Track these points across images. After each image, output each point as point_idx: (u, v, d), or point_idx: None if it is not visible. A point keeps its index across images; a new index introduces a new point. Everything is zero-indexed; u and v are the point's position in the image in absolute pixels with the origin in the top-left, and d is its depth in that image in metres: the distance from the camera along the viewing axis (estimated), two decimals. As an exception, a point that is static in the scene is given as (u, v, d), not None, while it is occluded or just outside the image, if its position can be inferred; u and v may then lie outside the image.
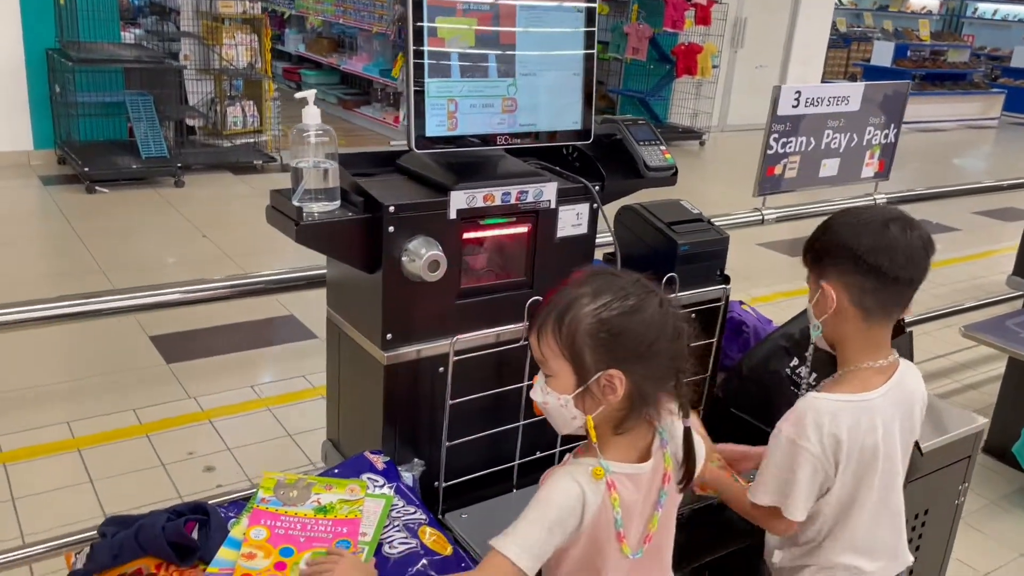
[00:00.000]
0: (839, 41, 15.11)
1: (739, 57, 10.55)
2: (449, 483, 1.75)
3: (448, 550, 1.47)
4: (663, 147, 1.95)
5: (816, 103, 2.73)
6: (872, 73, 13.37)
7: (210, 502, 1.53)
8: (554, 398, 1.33)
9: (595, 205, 1.81)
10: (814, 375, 1.86)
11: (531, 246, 1.76)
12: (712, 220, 2.10)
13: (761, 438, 1.66)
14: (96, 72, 6.72)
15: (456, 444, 1.72)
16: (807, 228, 1.72)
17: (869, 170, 3.01)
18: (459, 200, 1.62)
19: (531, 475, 1.78)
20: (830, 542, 1.63)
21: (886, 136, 2.99)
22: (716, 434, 1.78)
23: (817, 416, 1.54)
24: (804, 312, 2.04)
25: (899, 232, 1.53)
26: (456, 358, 1.65)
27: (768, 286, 5.22)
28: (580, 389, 1.30)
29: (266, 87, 7.72)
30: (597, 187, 1.81)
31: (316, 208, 1.56)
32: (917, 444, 1.85)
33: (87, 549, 1.45)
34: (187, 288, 2.10)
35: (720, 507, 1.85)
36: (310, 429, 3.45)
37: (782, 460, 1.56)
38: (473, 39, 1.60)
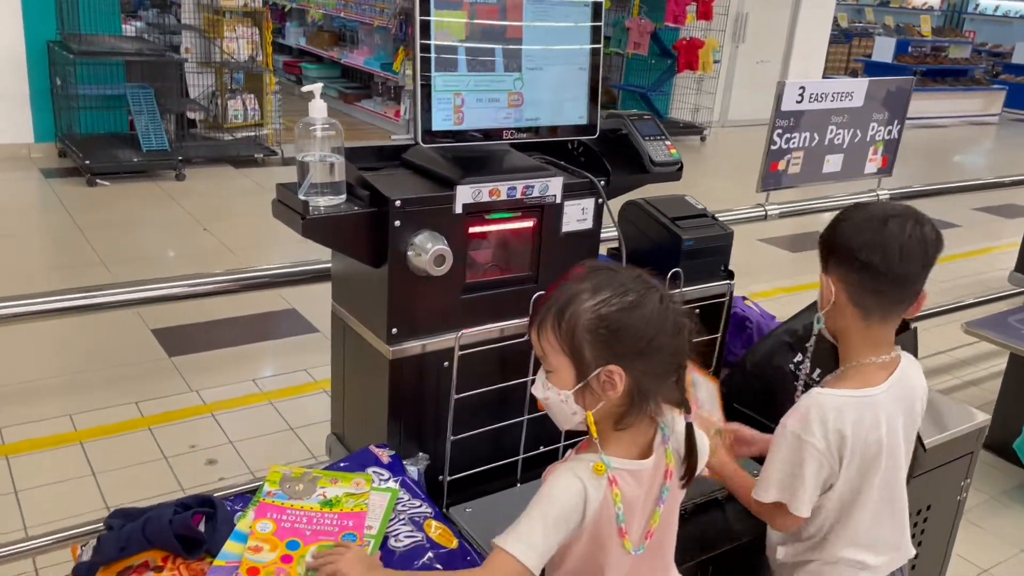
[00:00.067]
0: (840, 37, 15.07)
1: (740, 52, 10.54)
2: (453, 477, 1.76)
3: (454, 543, 1.47)
4: (668, 142, 1.95)
5: (820, 99, 2.73)
6: (873, 69, 13.34)
7: (215, 495, 1.54)
8: (555, 394, 1.33)
9: (600, 200, 1.81)
10: (817, 371, 1.86)
11: (536, 241, 1.76)
12: (716, 216, 2.10)
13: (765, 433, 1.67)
14: (97, 65, 6.71)
15: (460, 438, 1.72)
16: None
17: (872, 166, 3.01)
18: (465, 195, 1.62)
19: (535, 469, 1.77)
20: (834, 537, 1.64)
21: (889, 132, 2.99)
22: (720, 429, 1.79)
23: (821, 412, 1.54)
24: (807, 308, 2.05)
25: (897, 229, 1.53)
26: (461, 353, 1.66)
27: (768, 282, 5.23)
28: (580, 385, 1.30)
29: (267, 80, 7.71)
30: (602, 182, 1.81)
31: (322, 202, 1.56)
32: (921, 440, 1.86)
33: (93, 541, 1.45)
34: (191, 282, 2.10)
35: (722, 503, 1.85)
36: (312, 423, 3.45)
37: (787, 456, 1.56)
38: (479, 33, 1.59)
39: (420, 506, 1.55)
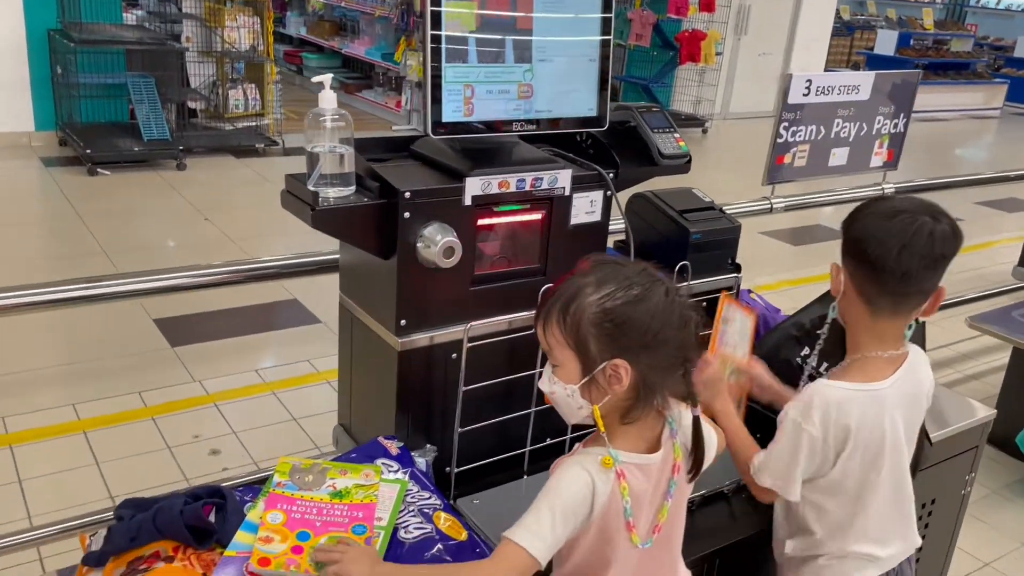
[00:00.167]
0: (842, 29, 15.04)
1: (742, 44, 10.51)
2: (461, 469, 1.76)
3: (463, 535, 1.47)
4: (677, 134, 1.94)
5: (826, 92, 2.72)
6: (875, 62, 13.32)
7: (223, 485, 1.54)
8: (561, 388, 1.33)
9: (609, 192, 1.80)
10: (824, 365, 1.86)
11: (545, 233, 1.76)
12: (723, 208, 2.10)
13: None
14: (98, 53, 6.69)
15: (468, 430, 1.72)
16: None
17: (878, 159, 3.01)
18: (474, 186, 1.62)
19: (542, 461, 1.78)
20: (841, 532, 1.64)
21: (895, 125, 2.99)
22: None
23: (824, 403, 1.55)
24: (814, 302, 2.05)
25: (902, 225, 1.51)
26: (470, 344, 1.65)
27: (771, 275, 5.23)
28: (586, 379, 1.30)
29: (268, 70, 7.69)
30: (611, 174, 1.81)
31: (332, 193, 1.56)
32: (927, 434, 1.86)
33: (103, 531, 1.45)
34: (195, 273, 2.10)
35: (728, 497, 1.86)
36: (315, 413, 3.45)
37: (787, 444, 1.58)
38: (490, 24, 1.59)
39: (429, 498, 1.55)
